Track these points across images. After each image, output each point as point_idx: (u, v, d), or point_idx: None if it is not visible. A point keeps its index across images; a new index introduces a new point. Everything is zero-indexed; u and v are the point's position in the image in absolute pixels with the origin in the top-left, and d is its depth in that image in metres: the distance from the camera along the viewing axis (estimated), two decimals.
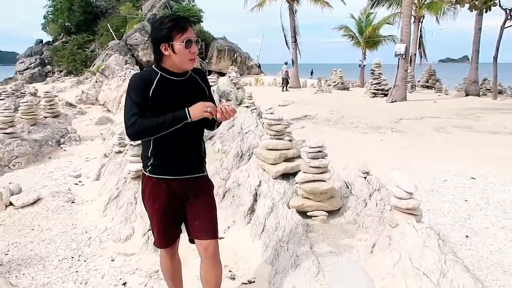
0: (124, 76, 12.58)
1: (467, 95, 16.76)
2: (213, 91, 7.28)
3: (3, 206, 4.38)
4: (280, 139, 4.09)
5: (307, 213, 3.43)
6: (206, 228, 2.21)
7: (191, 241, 2.29)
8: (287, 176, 4.06)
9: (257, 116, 5.74)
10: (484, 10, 13.31)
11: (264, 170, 4.09)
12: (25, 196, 4.47)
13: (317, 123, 9.77)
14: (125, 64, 16.09)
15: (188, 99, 2.04)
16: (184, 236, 2.34)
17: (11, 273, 3.08)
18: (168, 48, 1.98)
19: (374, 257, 2.70)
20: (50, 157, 6.61)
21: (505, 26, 14.28)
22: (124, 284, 2.97)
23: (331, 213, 3.46)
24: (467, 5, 13.42)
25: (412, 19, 16.96)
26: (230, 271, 3.06)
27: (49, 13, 39.77)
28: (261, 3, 23.03)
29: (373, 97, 15.87)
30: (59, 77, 33.31)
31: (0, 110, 6.11)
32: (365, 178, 3.63)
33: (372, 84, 16.26)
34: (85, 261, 3.30)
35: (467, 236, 3.90)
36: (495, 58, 14.81)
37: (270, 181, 3.93)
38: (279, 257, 3.01)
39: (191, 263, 2.84)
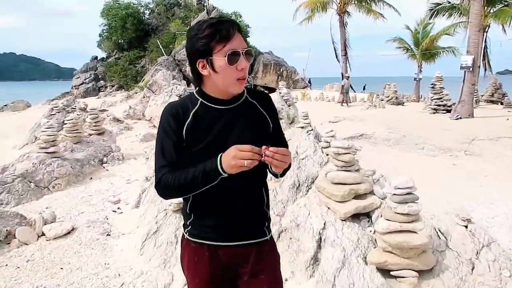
0: (171, 92, 12.37)
1: None
2: None
3: (35, 236, 3.98)
4: (348, 171, 3.35)
5: (391, 272, 2.65)
6: None
7: None
8: (357, 216, 3.31)
9: (315, 139, 5.02)
10: None
11: (329, 208, 3.35)
12: (58, 226, 4.04)
13: (376, 143, 8.85)
14: (172, 79, 16.02)
15: (239, 136, 1.44)
16: None
17: None
18: (207, 65, 1.41)
19: None
20: (91, 178, 6.28)
21: None
22: None
23: (422, 273, 2.65)
24: None
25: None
26: None
27: (104, 31, 41.76)
28: (310, 16, 22.41)
29: (434, 113, 14.53)
30: (111, 92, 34.59)
31: (42, 128, 5.87)
32: (466, 227, 2.79)
33: (432, 99, 14.93)
34: None
35: None
36: None
37: (337, 223, 3.18)
38: None
39: None
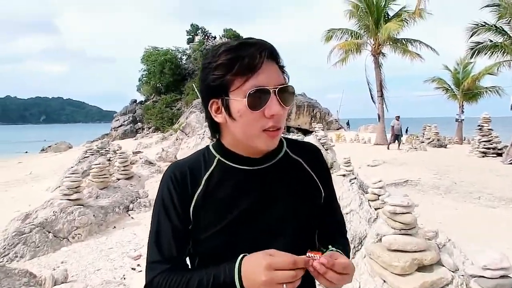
0: (203, 134, 12.18)
1: None
2: None
3: None
4: (409, 234, 2.71)
5: None
6: None
7: None
8: None
9: (359, 189, 4.41)
10: None
11: (385, 281, 2.70)
12: None
13: (423, 191, 8.02)
14: (205, 122, 15.95)
15: (276, 208, 0.99)
16: None
17: None
18: (222, 108, 0.96)
19: None
20: (114, 227, 5.88)
21: None
22: None
23: None
24: None
25: None
26: None
27: (144, 75, 43.75)
28: (344, 58, 22.15)
29: (483, 157, 13.43)
30: (147, 133, 35.50)
31: (67, 174, 5.61)
32: None
33: (480, 142, 13.87)
34: None
35: None
36: None
37: None
38: None
39: None
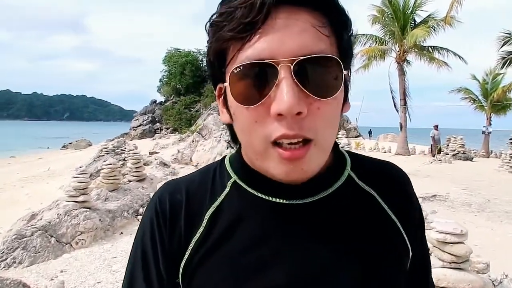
0: (220, 137, 11.85)
1: None
2: None
3: None
4: (461, 269, 2.25)
5: None
6: None
7: None
8: None
9: None
10: None
11: None
12: None
13: (453, 207, 7.43)
14: (222, 124, 15.69)
15: (329, 273, 0.56)
16: None
17: None
18: (225, 95, 0.57)
19: None
20: (122, 232, 5.56)
21: None
22: None
23: None
24: None
25: None
26: None
27: (164, 76, 44.09)
28: (367, 64, 21.57)
29: None
30: (165, 134, 35.70)
31: (75, 174, 5.32)
32: None
33: (511, 156, 13.13)
34: None
35: None
36: None
37: None
38: None
39: None
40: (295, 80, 0.48)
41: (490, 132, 22.49)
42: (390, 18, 21.16)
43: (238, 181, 0.62)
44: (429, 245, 2.46)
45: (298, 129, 0.49)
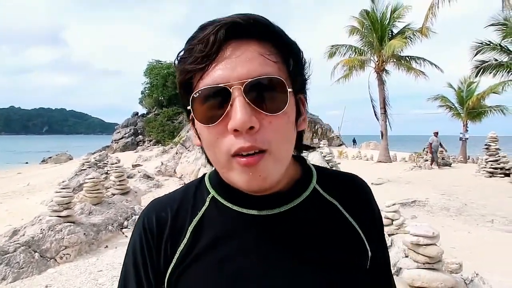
0: None
1: None
2: None
3: None
4: (434, 269, 2.39)
5: None
6: None
7: None
8: None
9: None
10: None
11: None
12: None
13: (433, 212, 7.66)
14: None
15: (298, 279, 0.63)
16: None
17: None
18: (193, 118, 0.63)
19: None
20: (107, 246, 5.53)
21: None
22: None
23: None
24: None
25: None
26: None
27: (146, 89, 43.83)
28: (347, 74, 22.03)
29: (490, 177, 13.06)
30: (148, 146, 35.33)
31: (57, 189, 5.29)
32: None
33: (487, 162, 13.54)
34: None
35: None
36: None
37: None
38: None
39: None
40: (246, 99, 0.55)
41: (467, 138, 23.16)
42: (368, 30, 21.72)
43: (216, 196, 0.69)
44: (405, 247, 2.59)
45: (253, 141, 0.56)
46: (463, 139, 22.81)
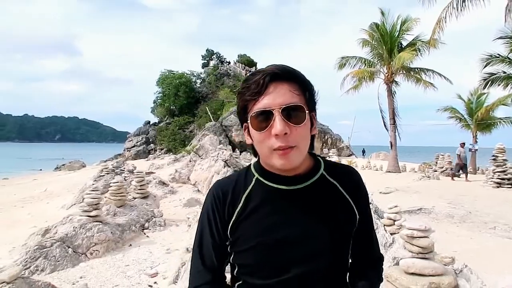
0: (217, 157, 12.34)
1: None
2: None
3: None
4: (426, 258, 2.77)
5: None
6: None
7: None
8: None
9: (375, 214, 4.46)
10: None
11: None
12: None
13: (438, 219, 7.96)
14: (219, 144, 16.16)
15: (309, 228, 1.04)
16: None
17: None
18: (248, 128, 1.06)
19: None
20: (130, 244, 5.98)
21: None
22: None
23: None
24: None
25: None
26: None
27: (158, 98, 44.58)
28: (357, 85, 22.41)
29: (497, 187, 13.27)
30: (159, 155, 35.80)
31: (87, 191, 5.78)
32: None
33: (494, 172, 13.74)
34: None
35: None
36: None
37: None
38: None
39: None
40: (282, 117, 0.94)
41: (477, 149, 23.20)
42: (378, 42, 22.11)
43: (258, 177, 1.09)
44: (401, 240, 2.98)
45: (286, 142, 0.95)
46: (473, 150, 22.87)
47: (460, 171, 17.72)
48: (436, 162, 20.66)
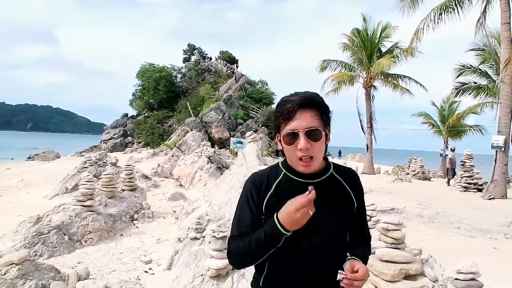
0: (201, 153, 12.64)
1: None
2: None
3: None
4: (398, 248, 3.23)
5: None
6: None
7: None
8: None
9: None
10: None
11: (376, 287, 3.19)
12: (92, 284, 3.96)
13: (408, 219, 8.56)
14: (202, 141, 16.43)
15: (321, 211, 1.38)
16: None
17: None
18: (279, 140, 1.45)
19: None
20: (121, 234, 6.26)
21: None
22: None
23: None
24: None
25: None
26: None
27: (138, 91, 43.94)
28: (337, 88, 23.10)
29: (464, 191, 14.15)
30: (137, 148, 35.37)
31: (83, 181, 6.01)
32: None
33: (462, 177, 14.63)
34: None
35: None
36: None
37: None
38: None
39: None
40: (305, 137, 1.31)
41: (447, 155, 24.34)
42: (358, 47, 22.85)
43: (286, 172, 1.47)
44: (377, 232, 3.44)
45: (307, 153, 1.32)
46: (443, 155, 24.00)
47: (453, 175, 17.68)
48: (409, 166, 21.58)
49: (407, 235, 6.14)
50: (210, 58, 48.90)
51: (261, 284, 1.53)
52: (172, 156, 15.42)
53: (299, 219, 1.30)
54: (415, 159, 20.85)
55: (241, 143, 21.12)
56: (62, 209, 6.08)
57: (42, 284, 3.75)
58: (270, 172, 1.53)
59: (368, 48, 22.42)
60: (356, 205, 1.51)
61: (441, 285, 3.06)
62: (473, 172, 14.52)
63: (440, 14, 14.32)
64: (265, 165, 6.05)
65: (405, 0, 15.51)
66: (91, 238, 5.58)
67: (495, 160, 12.93)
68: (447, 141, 24.17)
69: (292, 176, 1.47)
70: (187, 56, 51.20)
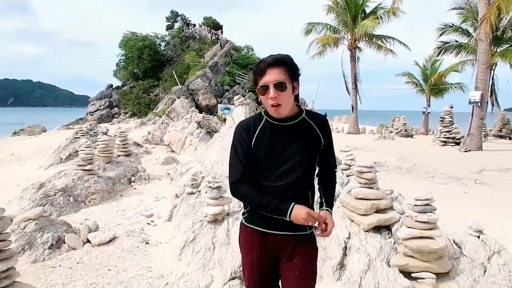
0: (190, 119, 12.96)
1: None
2: None
3: (81, 242, 4.36)
4: (370, 187, 3.74)
5: (412, 274, 2.99)
6: None
7: None
8: (378, 229, 3.66)
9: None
10: None
11: (353, 221, 3.72)
12: (102, 234, 4.43)
13: (388, 171, 9.19)
14: (190, 108, 16.68)
15: (293, 146, 1.83)
16: None
17: None
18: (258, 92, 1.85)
19: None
20: (121, 195, 6.69)
21: None
22: None
23: (439, 276, 2.98)
24: None
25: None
26: None
27: (121, 61, 43.19)
28: (322, 51, 23.27)
29: (443, 145, 14.92)
30: (124, 119, 35.26)
31: (82, 147, 6.36)
32: (478, 237, 3.14)
33: (441, 132, 15.36)
34: None
35: None
36: None
37: (361, 234, 3.54)
38: None
39: None
40: (274, 88, 1.73)
41: (429, 112, 25.14)
42: (343, 9, 22.84)
43: (267, 118, 1.89)
44: (353, 175, 3.93)
45: (276, 101, 1.75)
46: (426, 113, 24.78)
47: None
48: (393, 124, 22.31)
49: (387, 185, 6.71)
50: (194, 25, 47.87)
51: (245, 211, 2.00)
52: (162, 123, 15.70)
53: (300, 220, 1.74)
54: (398, 117, 21.52)
55: (229, 109, 21.42)
56: (63, 174, 6.45)
57: (57, 235, 4.20)
58: (255, 119, 1.94)
59: (353, 10, 22.46)
60: (323, 142, 1.93)
61: (407, 216, 3.59)
62: (452, 127, 15.22)
63: None
64: None
65: None
66: (94, 199, 6.01)
67: (472, 115, 13.60)
68: (429, 99, 24.86)
69: (271, 121, 1.88)
70: (170, 23, 50.04)
